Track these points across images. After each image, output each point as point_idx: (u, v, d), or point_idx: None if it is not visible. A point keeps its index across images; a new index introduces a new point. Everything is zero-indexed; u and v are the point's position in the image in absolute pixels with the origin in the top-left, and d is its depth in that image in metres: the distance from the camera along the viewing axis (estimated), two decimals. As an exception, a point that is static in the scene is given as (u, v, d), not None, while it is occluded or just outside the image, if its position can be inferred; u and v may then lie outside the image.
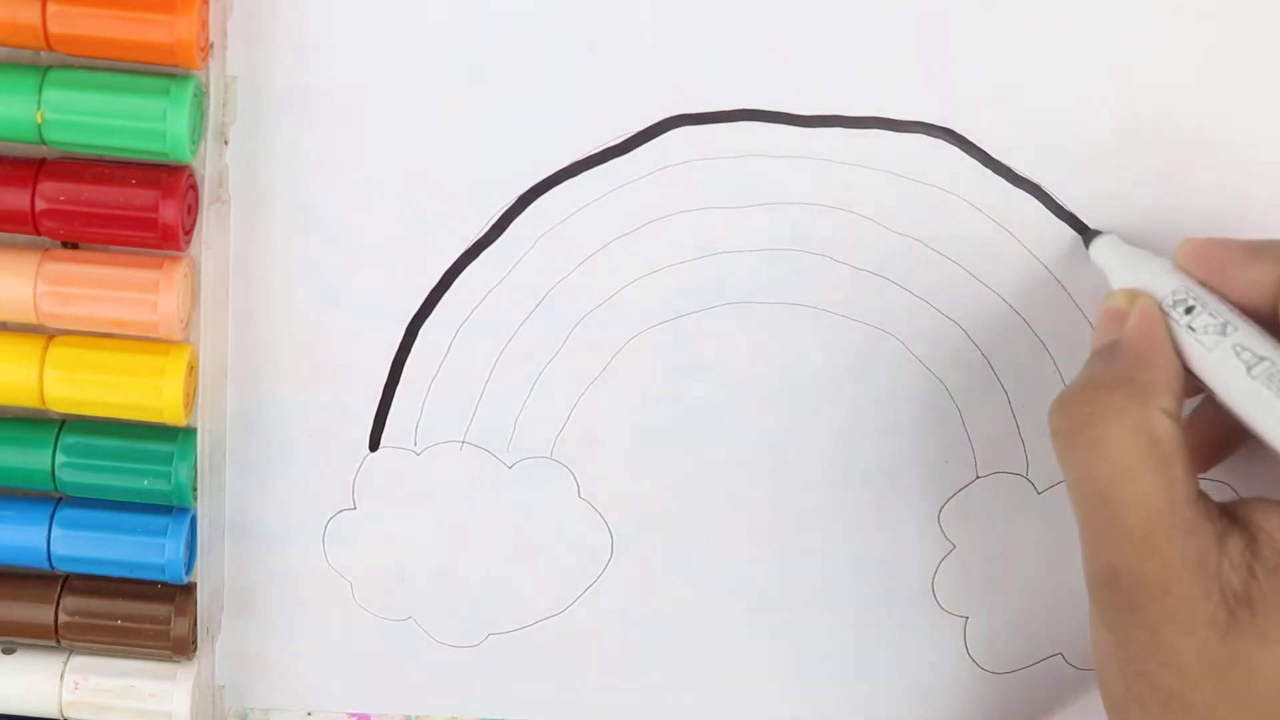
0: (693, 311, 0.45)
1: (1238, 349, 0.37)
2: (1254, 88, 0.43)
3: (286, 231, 0.44)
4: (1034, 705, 0.49)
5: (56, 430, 0.43)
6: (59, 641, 0.45)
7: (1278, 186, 0.44)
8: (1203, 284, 0.39)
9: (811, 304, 0.45)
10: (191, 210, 0.42)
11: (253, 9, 0.41)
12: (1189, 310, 0.38)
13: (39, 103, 0.39)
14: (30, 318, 0.42)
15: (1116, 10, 0.42)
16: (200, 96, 0.41)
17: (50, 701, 0.45)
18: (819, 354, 0.45)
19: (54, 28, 0.39)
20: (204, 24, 0.40)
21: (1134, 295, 0.40)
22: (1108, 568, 0.37)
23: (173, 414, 0.42)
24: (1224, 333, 0.37)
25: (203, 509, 0.44)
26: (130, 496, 0.44)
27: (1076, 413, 0.38)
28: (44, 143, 0.40)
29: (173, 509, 0.44)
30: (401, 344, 0.45)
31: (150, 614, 0.45)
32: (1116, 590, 0.37)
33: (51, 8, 0.39)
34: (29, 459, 0.43)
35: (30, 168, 0.40)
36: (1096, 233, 0.43)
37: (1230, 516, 0.37)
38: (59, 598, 0.45)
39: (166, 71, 0.40)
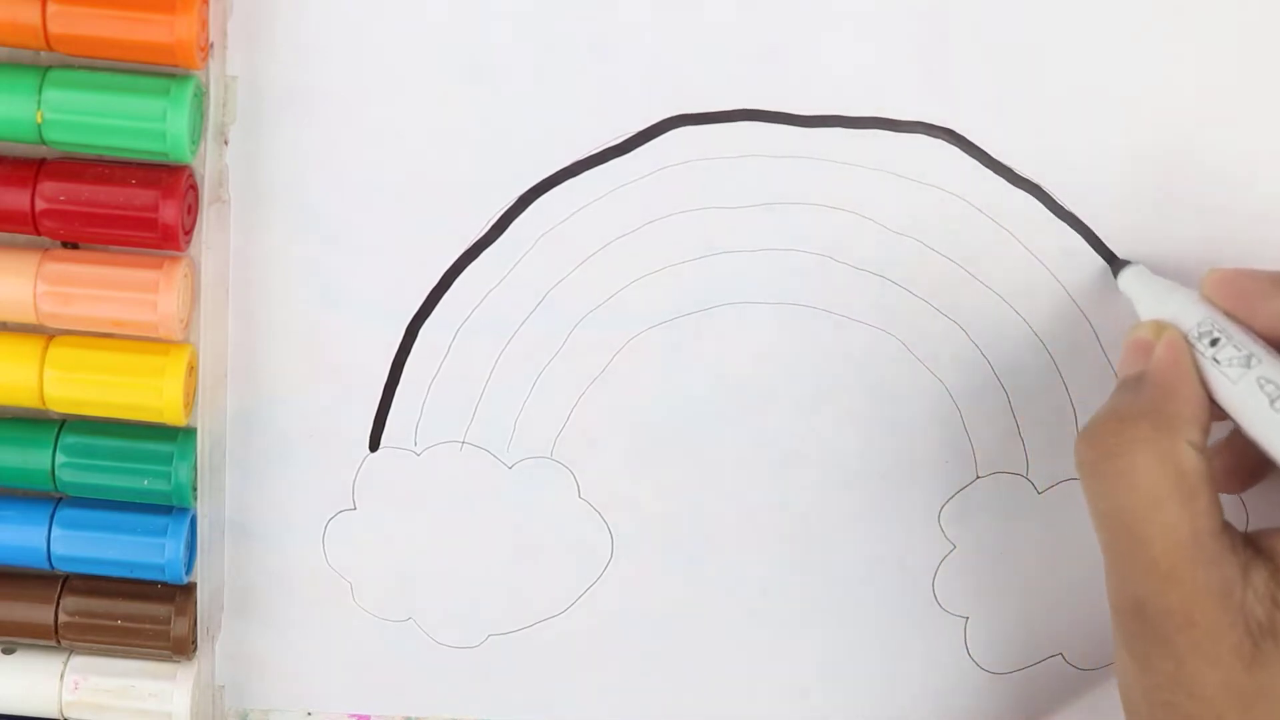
0: (693, 311, 0.45)
1: (1261, 381, 0.37)
2: (1252, 87, 0.43)
3: (286, 231, 0.44)
4: (1034, 705, 0.49)
5: (56, 430, 0.43)
6: (59, 641, 0.45)
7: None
8: (1229, 315, 0.39)
9: (811, 304, 0.45)
10: (191, 210, 0.42)
11: (253, 9, 0.41)
12: (1214, 342, 0.38)
13: (39, 103, 0.39)
14: (30, 318, 0.42)
15: (1116, 10, 0.42)
16: (200, 96, 0.41)
17: (50, 701, 0.45)
18: (819, 354, 0.45)
19: (54, 28, 0.39)
20: (204, 24, 0.40)
21: (1160, 327, 0.40)
22: (1133, 598, 0.37)
23: (173, 414, 0.42)
24: (1248, 365, 0.38)
25: (203, 509, 0.44)
26: (130, 496, 0.44)
27: (1103, 444, 0.38)
28: (44, 143, 0.40)
29: (173, 509, 0.44)
30: (401, 344, 0.45)
31: (150, 614, 0.45)
32: (1142, 620, 0.37)
33: (51, 8, 0.39)
34: (29, 459, 0.43)
35: (30, 168, 0.40)
36: (1125, 263, 0.44)
37: (1254, 547, 0.37)
38: (59, 598, 0.45)
39: (166, 71, 0.40)
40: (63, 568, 0.44)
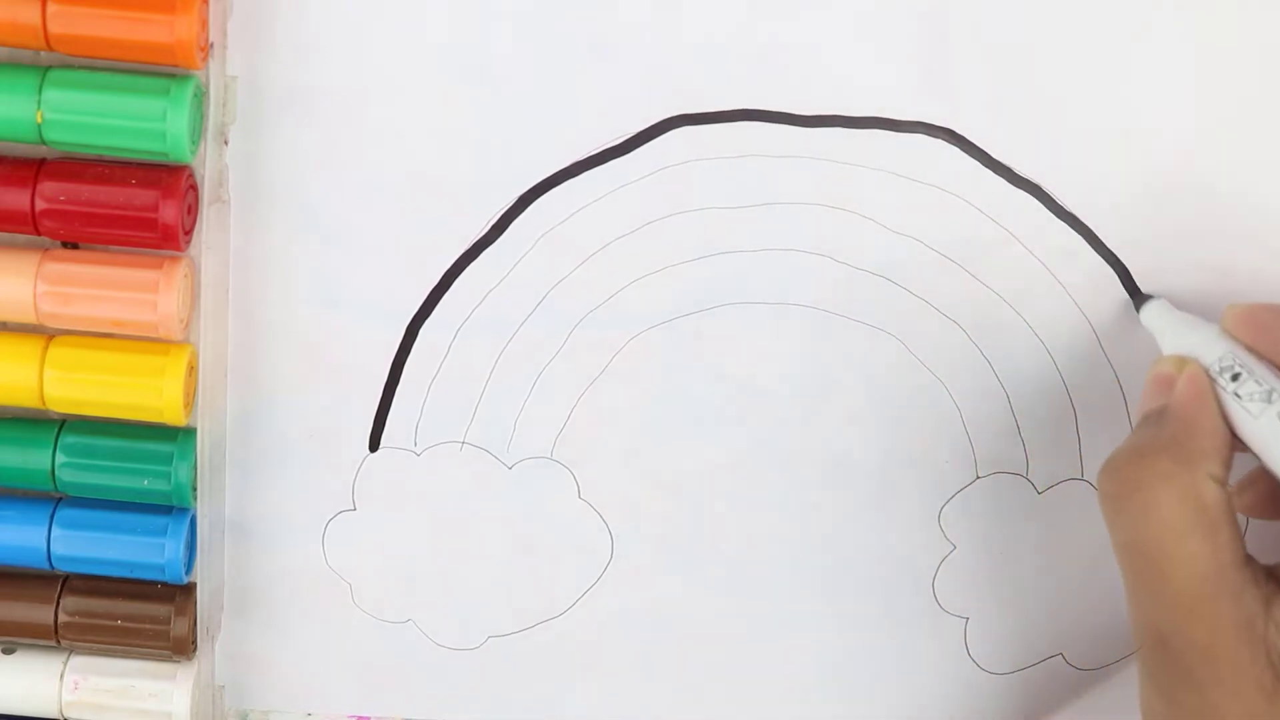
0: (693, 311, 0.45)
1: None
2: (1252, 87, 0.43)
3: (286, 231, 0.44)
4: (1034, 705, 0.49)
5: (56, 430, 0.43)
6: (59, 641, 0.45)
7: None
8: (1250, 349, 0.39)
9: (811, 304, 0.45)
10: (191, 210, 0.42)
11: (253, 9, 0.41)
12: (1235, 377, 0.39)
13: (39, 103, 0.39)
14: (30, 318, 0.42)
15: (1116, 10, 0.42)
16: (200, 96, 0.41)
17: (50, 701, 0.45)
18: (819, 354, 0.45)
19: (54, 28, 0.39)
20: (204, 24, 0.40)
21: (1182, 362, 0.40)
22: (1156, 631, 0.38)
23: (173, 414, 0.42)
24: (1269, 400, 0.38)
25: (203, 509, 0.44)
26: (130, 496, 0.44)
27: (1125, 477, 0.38)
28: (44, 143, 0.40)
29: (173, 509, 0.44)
30: (401, 344, 0.45)
31: (150, 614, 0.45)
32: (1164, 653, 0.38)
33: (51, 8, 0.39)
34: (29, 459, 0.43)
35: (30, 168, 0.40)
36: (1148, 297, 0.44)
37: (1277, 581, 0.38)
38: (59, 598, 0.45)
39: (166, 71, 0.40)
40: (63, 568, 0.44)
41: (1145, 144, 0.43)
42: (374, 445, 0.46)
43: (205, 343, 0.43)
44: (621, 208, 0.44)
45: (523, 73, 0.42)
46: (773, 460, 0.46)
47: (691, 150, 0.43)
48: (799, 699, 0.49)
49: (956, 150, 0.43)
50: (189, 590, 0.45)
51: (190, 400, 0.43)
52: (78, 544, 0.44)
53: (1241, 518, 0.38)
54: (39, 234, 0.41)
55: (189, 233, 0.42)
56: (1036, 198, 0.44)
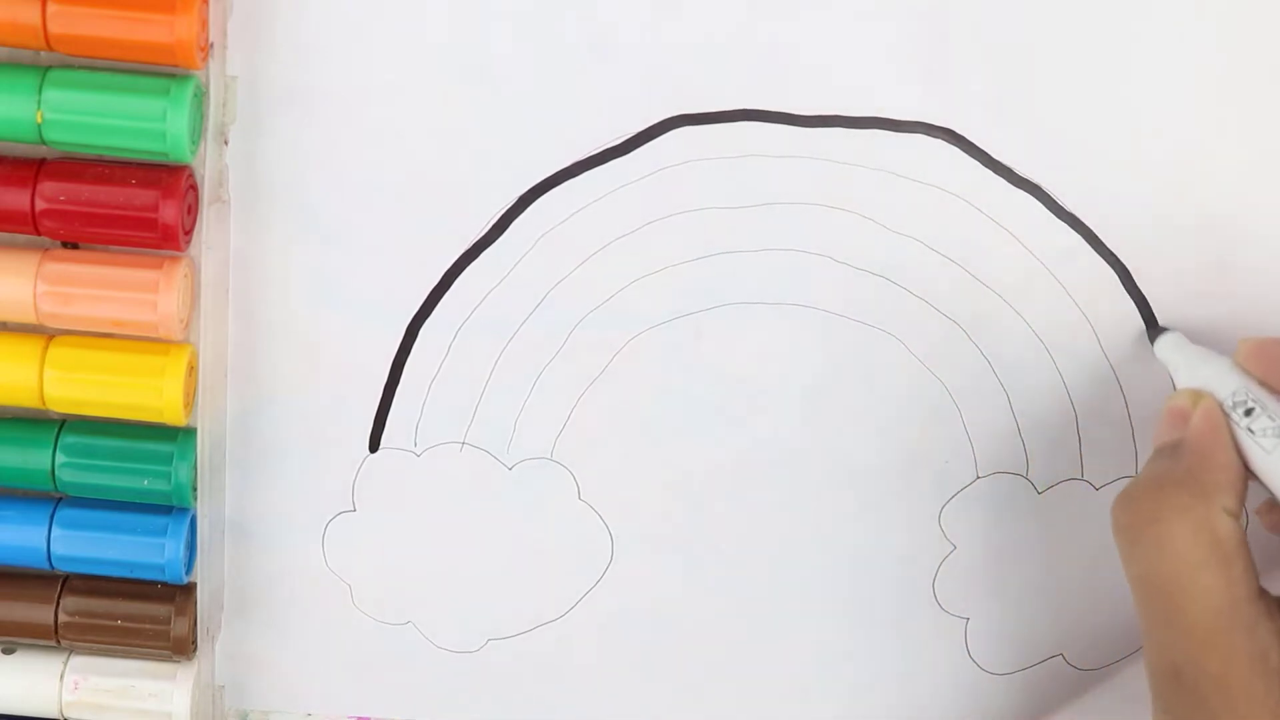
0: (693, 311, 0.45)
1: None
2: (1252, 86, 0.43)
3: (286, 231, 0.44)
4: (1034, 706, 0.49)
5: (56, 430, 0.43)
6: (59, 641, 0.45)
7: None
8: (1263, 384, 0.40)
9: (811, 304, 0.45)
10: (191, 210, 0.42)
11: (253, 9, 0.42)
12: (1249, 412, 0.39)
13: (39, 103, 0.39)
14: (30, 318, 0.42)
15: (1116, 10, 0.42)
16: (200, 96, 0.41)
17: (50, 701, 0.45)
18: (819, 354, 0.45)
19: (54, 28, 0.39)
20: (204, 24, 0.40)
21: (1197, 396, 0.40)
22: (1170, 663, 0.38)
23: (173, 414, 0.42)
24: None
25: (203, 509, 0.44)
26: (130, 496, 0.44)
27: (1140, 510, 0.39)
28: (44, 143, 0.40)
29: (173, 509, 0.44)
30: (401, 344, 0.45)
31: (150, 614, 0.45)
32: (1179, 685, 0.38)
33: (51, 8, 0.39)
34: (29, 459, 0.43)
35: (30, 168, 0.40)
36: (1162, 330, 0.44)
37: None
38: (59, 598, 0.45)
39: (166, 71, 0.40)
40: (63, 568, 0.44)
41: (1145, 144, 0.43)
42: (374, 446, 0.46)
43: (205, 343, 0.43)
44: (621, 208, 0.44)
45: (523, 73, 0.42)
46: (772, 460, 0.46)
47: (691, 150, 0.43)
48: (799, 699, 0.49)
49: (956, 150, 0.43)
50: (189, 590, 0.45)
51: (190, 400, 0.43)
52: (78, 544, 0.44)
53: (1255, 553, 0.39)
54: (39, 234, 0.41)
55: (189, 233, 0.42)
56: (1036, 198, 0.44)
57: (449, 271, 0.44)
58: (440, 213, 0.44)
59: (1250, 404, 0.39)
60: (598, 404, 0.46)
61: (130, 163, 0.41)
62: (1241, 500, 0.39)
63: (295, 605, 0.48)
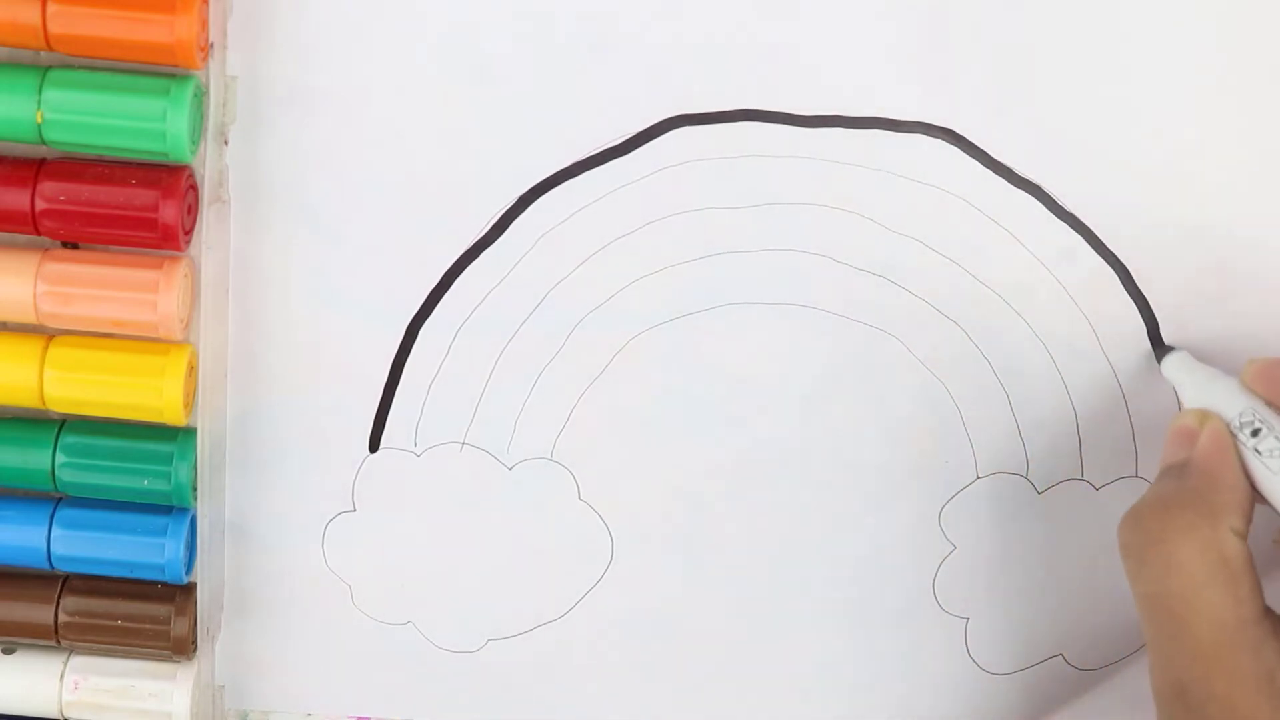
0: (693, 311, 0.45)
1: None
2: (1252, 86, 0.43)
3: (286, 231, 0.44)
4: (1034, 706, 0.49)
5: (56, 430, 0.43)
6: (59, 641, 0.45)
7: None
8: (1270, 404, 0.40)
9: (811, 304, 0.45)
10: (191, 210, 0.42)
11: (253, 9, 0.41)
12: (1256, 433, 0.39)
13: (39, 103, 0.39)
14: (30, 318, 0.42)
15: (1116, 10, 0.42)
16: (200, 96, 0.41)
17: (50, 701, 0.45)
18: (819, 354, 0.45)
19: (54, 28, 0.39)
20: (204, 24, 0.40)
21: (1204, 416, 0.41)
22: (1176, 682, 0.38)
23: (173, 414, 0.42)
24: None
25: (203, 509, 0.44)
26: (130, 496, 0.44)
27: (1148, 529, 0.39)
28: (44, 143, 0.40)
29: (173, 509, 0.44)
30: (401, 344, 0.45)
31: (150, 614, 0.45)
32: (1184, 704, 0.38)
33: (51, 8, 0.39)
34: (29, 459, 0.43)
35: (30, 168, 0.40)
36: (1169, 349, 0.44)
37: None
38: (59, 598, 0.45)
39: (166, 71, 0.40)
40: (63, 568, 0.44)
41: (1145, 144, 0.43)
42: (374, 446, 0.46)
43: (205, 343, 0.43)
44: (621, 208, 0.44)
45: (523, 73, 0.42)
46: (772, 460, 0.46)
47: (691, 150, 0.43)
48: (799, 699, 0.49)
49: (956, 151, 0.43)
50: (189, 590, 0.45)
51: (190, 400, 0.43)
52: (78, 544, 0.44)
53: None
54: (39, 234, 0.41)
55: (189, 233, 0.42)
56: (1036, 198, 0.44)
57: (449, 271, 0.44)
58: (440, 213, 0.44)
59: (1257, 424, 0.39)
60: (598, 404, 0.46)
61: (130, 163, 0.41)
62: (1248, 520, 0.39)
63: (295, 605, 0.48)
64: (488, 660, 0.49)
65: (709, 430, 0.46)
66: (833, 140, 0.43)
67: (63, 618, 0.44)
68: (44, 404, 0.42)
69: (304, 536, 0.47)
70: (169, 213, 0.40)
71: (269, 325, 0.44)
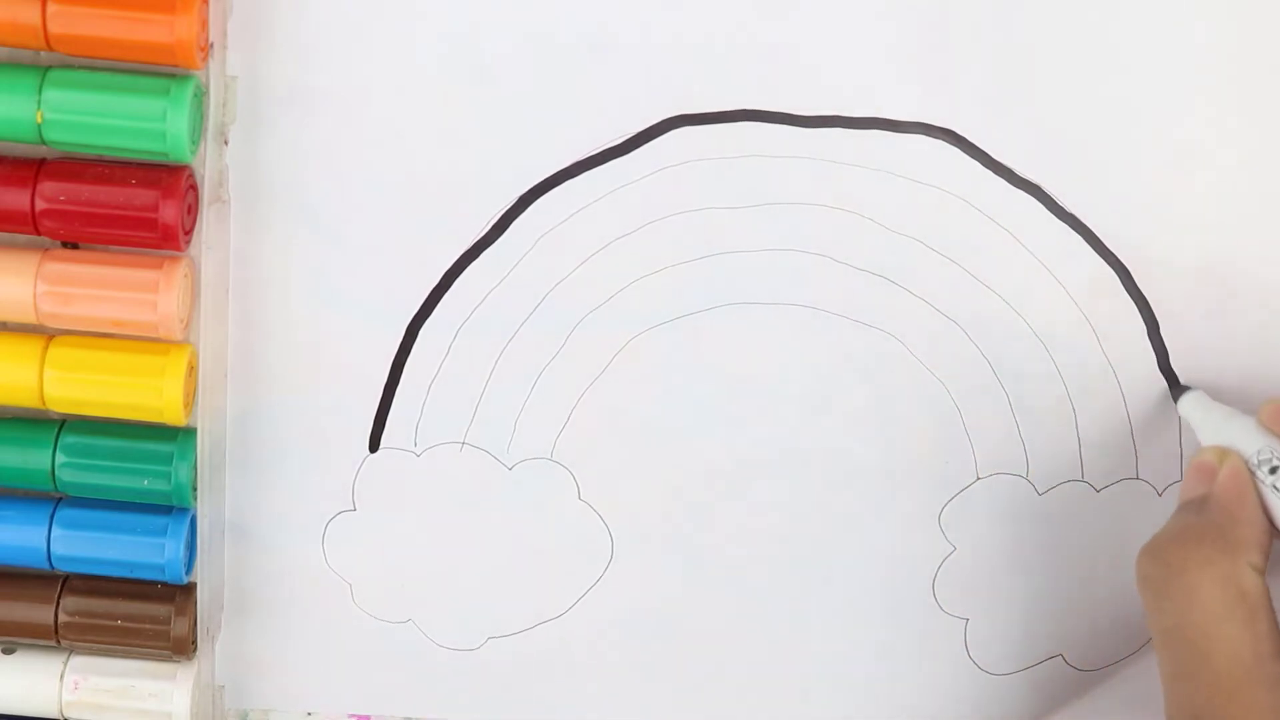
0: (693, 311, 0.45)
1: None
2: (1253, 86, 0.43)
3: (286, 231, 0.44)
4: (1034, 706, 0.49)
5: (56, 430, 0.43)
6: (59, 641, 0.45)
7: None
8: None
9: (811, 304, 0.45)
10: (191, 210, 0.42)
11: (253, 9, 0.41)
12: (1274, 470, 0.40)
13: (39, 103, 0.39)
14: (30, 318, 0.42)
15: (1116, 10, 0.42)
16: (200, 96, 0.41)
17: (50, 701, 0.45)
18: (819, 354, 0.45)
19: (54, 28, 0.39)
20: (204, 24, 0.40)
21: (1224, 453, 0.41)
22: (1193, 717, 0.38)
23: (173, 414, 0.42)
24: None
25: (203, 509, 0.44)
26: (130, 496, 0.44)
27: (1167, 561, 0.39)
28: (44, 143, 0.40)
29: (173, 509, 0.44)
30: (401, 344, 0.45)
31: (150, 614, 0.45)
32: None
33: (51, 8, 0.39)
34: (29, 459, 0.43)
35: (30, 168, 0.40)
36: (1185, 388, 0.45)
37: None
38: (59, 598, 0.44)
39: (166, 71, 0.40)
40: (63, 568, 0.44)
41: (1145, 144, 0.43)
42: (374, 446, 0.46)
43: (205, 343, 0.43)
44: (621, 208, 0.44)
45: (523, 73, 0.42)
46: (772, 460, 0.46)
47: (691, 150, 0.43)
48: (799, 699, 0.49)
49: (957, 151, 0.43)
50: (189, 590, 0.45)
51: (190, 400, 0.43)
52: (78, 544, 0.44)
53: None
54: (39, 234, 0.41)
55: (189, 233, 0.42)
56: (1036, 198, 0.44)
57: (449, 271, 0.44)
58: (440, 213, 0.44)
59: (1276, 462, 0.40)
60: (598, 404, 0.46)
61: (130, 163, 0.41)
62: (1266, 556, 0.39)
63: (295, 605, 0.48)
64: (488, 659, 0.49)
65: (709, 430, 0.46)
66: (833, 140, 0.43)
67: (63, 618, 0.44)
68: (44, 404, 0.42)
69: (304, 536, 0.47)
70: (169, 213, 0.40)
71: (269, 325, 0.44)
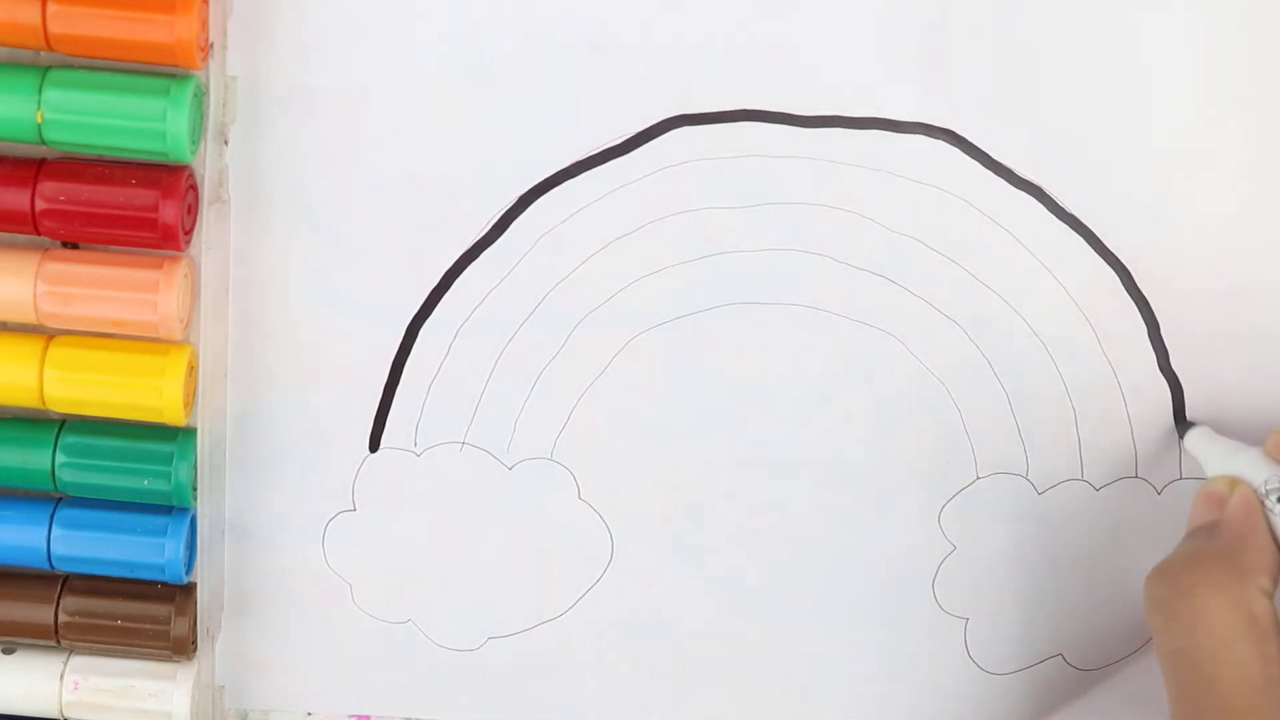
0: (693, 311, 0.45)
1: None
2: (1255, 86, 0.43)
3: (286, 231, 0.44)
4: (1034, 706, 0.49)
5: (56, 430, 0.43)
6: (59, 641, 0.45)
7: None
8: None
9: (811, 304, 0.45)
10: (191, 210, 0.42)
11: (253, 9, 0.41)
12: None
13: (39, 103, 0.39)
14: (30, 318, 0.42)
15: (1117, 11, 0.42)
16: (200, 96, 0.41)
17: (50, 701, 0.45)
18: (819, 354, 0.45)
19: (54, 28, 0.39)
20: (204, 24, 0.40)
21: (1234, 482, 0.42)
22: None
23: (173, 414, 0.42)
24: None
25: (203, 509, 0.44)
26: (130, 496, 0.44)
27: (1178, 583, 0.40)
28: (44, 143, 0.40)
29: (173, 509, 0.44)
30: (401, 344, 0.45)
31: (150, 614, 0.45)
32: None
33: (51, 8, 0.39)
34: (29, 459, 0.43)
35: (30, 168, 0.40)
36: (1190, 424, 0.45)
37: None
38: (59, 598, 0.44)
39: (166, 71, 0.40)
40: (63, 568, 0.44)
41: (1146, 145, 0.43)
42: (374, 446, 0.46)
43: (205, 343, 0.43)
44: (621, 208, 0.44)
45: (523, 73, 0.42)
46: (772, 460, 0.46)
47: (691, 150, 0.43)
48: (799, 699, 0.49)
49: (957, 151, 0.43)
50: (189, 590, 0.45)
51: (190, 400, 0.43)
52: (78, 544, 0.44)
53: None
54: (39, 234, 0.41)
55: (189, 233, 0.42)
56: (1037, 199, 0.44)
57: (449, 271, 0.44)
58: (440, 213, 0.44)
59: None
60: (598, 404, 0.46)
61: (130, 163, 0.41)
62: (1275, 583, 0.39)
63: (295, 605, 0.48)
64: (488, 659, 0.49)
65: (709, 430, 0.46)
66: (833, 140, 0.43)
67: (63, 618, 0.44)
68: (44, 404, 0.42)
69: (304, 536, 0.47)
70: (169, 213, 0.40)
71: (269, 325, 0.44)
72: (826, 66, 0.43)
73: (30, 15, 0.39)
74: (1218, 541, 0.40)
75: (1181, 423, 0.46)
